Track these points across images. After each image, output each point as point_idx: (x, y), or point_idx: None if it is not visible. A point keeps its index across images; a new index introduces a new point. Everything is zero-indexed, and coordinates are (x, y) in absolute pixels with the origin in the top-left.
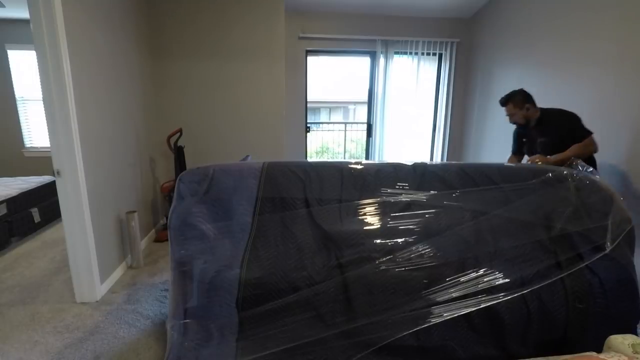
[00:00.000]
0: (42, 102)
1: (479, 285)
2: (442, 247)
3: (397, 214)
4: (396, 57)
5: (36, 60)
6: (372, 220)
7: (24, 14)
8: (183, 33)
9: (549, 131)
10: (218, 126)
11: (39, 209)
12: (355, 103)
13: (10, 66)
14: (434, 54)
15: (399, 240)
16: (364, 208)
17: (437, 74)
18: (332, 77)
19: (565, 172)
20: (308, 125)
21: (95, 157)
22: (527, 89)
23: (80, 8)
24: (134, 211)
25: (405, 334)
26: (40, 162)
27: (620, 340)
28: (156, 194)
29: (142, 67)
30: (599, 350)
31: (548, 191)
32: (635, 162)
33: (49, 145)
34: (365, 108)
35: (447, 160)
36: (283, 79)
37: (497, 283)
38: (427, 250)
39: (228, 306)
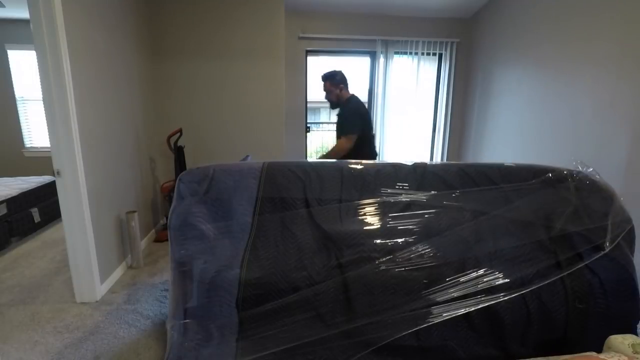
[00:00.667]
0: (42, 102)
1: (479, 285)
2: (442, 247)
3: (397, 214)
4: (396, 57)
5: (36, 60)
6: (372, 220)
7: (24, 14)
8: (183, 33)
9: (341, 114)
10: (218, 126)
11: (39, 209)
12: None
13: (10, 66)
14: (434, 54)
15: (399, 240)
16: (364, 208)
17: (437, 74)
18: None
19: (565, 172)
20: (308, 125)
21: (95, 157)
22: (528, 88)
23: (80, 8)
24: (134, 211)
25: (405, 333)
26: (40, 162)
27: (620, 340)
28: (156, 194)
29: (142, 67)
30: (599, 350)
31: (548, 191)
32: (635, 162)
33: (49, 145)
34: None
35: (447, 160)
36: (283, 79)
37: (497, 283)
38: (427, 250)
39: (228, 306)
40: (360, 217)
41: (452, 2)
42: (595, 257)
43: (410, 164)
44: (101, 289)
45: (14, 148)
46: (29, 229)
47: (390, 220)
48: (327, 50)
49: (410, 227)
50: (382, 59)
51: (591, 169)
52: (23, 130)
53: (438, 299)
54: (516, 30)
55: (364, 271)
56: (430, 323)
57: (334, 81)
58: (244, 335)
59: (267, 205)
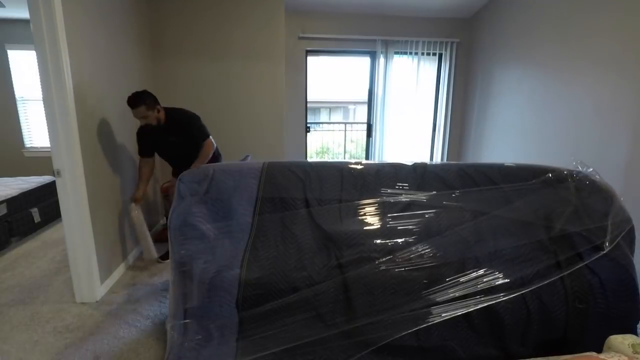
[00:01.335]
0: (42, 102)
1: (479, 286)
2: (442, 247)
3: (397, 214)
4: (396, 57)
5: (36, 60)
6: (372, 221)
7: (24, 14)
8: (183, 33)
9: (178, 131)
10: (218, 126)
11: (39, 209)
12: (355, 103)
13: (10, 66)
14: (434, 54)
15: (399, 240)
16: (364, 208)
17: (437, 74)
18: (332, 77)
19: (565, 172)
20: (308, 125)
21: (95, 157)
22: (528, 88)
23: (80, 8)
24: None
25: (405, 333)
26: (40, 162)
27: (620, 340)
28: (156, 194)
29: (142, 66)
30: (599, 350)
31: (548, 191)
32: (635, 162)
33: (49, 145)
34: (365, 108)
35: (447, 160)
36: (283, 79)
37: (497, 283)
38: (427, 251)
39: (228, 306)
40: (360, 217)
41: (452, 2)
42: (595, 257)
43: (410, 164)
44: (101, 289)
45: (14, 148)
46: (29, 229)
47: (390, 220)
48: (327, 50)
49: (410, 227)
50: (382, 59)
51: (591, 169)
52: (23, 130)
53: (438, 299)
54: (516, 30)
55: (364, 271)
56: (430, 323)
57: (150, 104)
58: (244, 335)
59: (267, 205)
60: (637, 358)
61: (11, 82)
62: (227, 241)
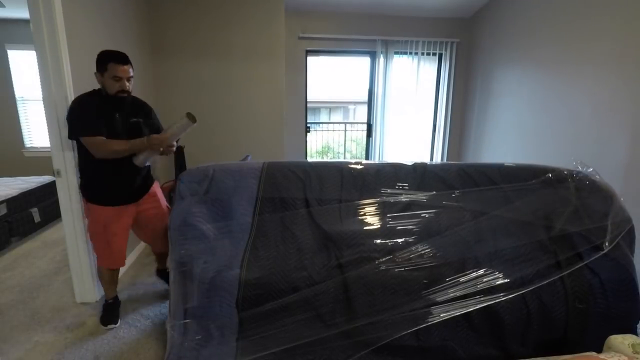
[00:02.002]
0: (42, 102)
1: (479, 286)
2: (442, 247)
3: (397, 214)
4: (396, 57)
5: (36, 60)
6: (372, 221)
7: (24, 14)
8: (183, 33)
9: (143, 114)
10: (218, 126)
11: (39, 209)
12: (355, 103)
13: (10, 66)
14: (434, 54)
15: (399, 240)
16: (364, 208)
17: (437, 74)
18: (332, 77)
19: (565, 172)
20: (308, 125)
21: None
22: (527, 89)
23: (80, 8)
24: None
25: (405, 333)
26: (40, 162)
27: (620, 340)
28: None
29: (142, 66)
30: (599, 350)
31: (548, 191)
32: (635, 162)
33: (49, 145)
34: (365, 108)
35: (447, 160)
36: (283, 79)
37: (497, 283)
38: (427, 251)
39: (228, 306)
40: (360, 217)
41: (452, 2)
42: (595, 257)
43: (410, 164)
44: (101, 289)
45: (14, 148)
46: (29, 229)
47: (390, 220)
48: (327, 50)
49: (410, 227)
50: (382, 59)
51: (591, 169)
52: (23, 130)
53: (438, 299)
54: (516, 31)
55: (364, 271)
56: (430, 323)
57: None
58: (244, 335)
59: (267, 205)
60: (637, 358)
61: (11, 82)
62: (227, 241)
